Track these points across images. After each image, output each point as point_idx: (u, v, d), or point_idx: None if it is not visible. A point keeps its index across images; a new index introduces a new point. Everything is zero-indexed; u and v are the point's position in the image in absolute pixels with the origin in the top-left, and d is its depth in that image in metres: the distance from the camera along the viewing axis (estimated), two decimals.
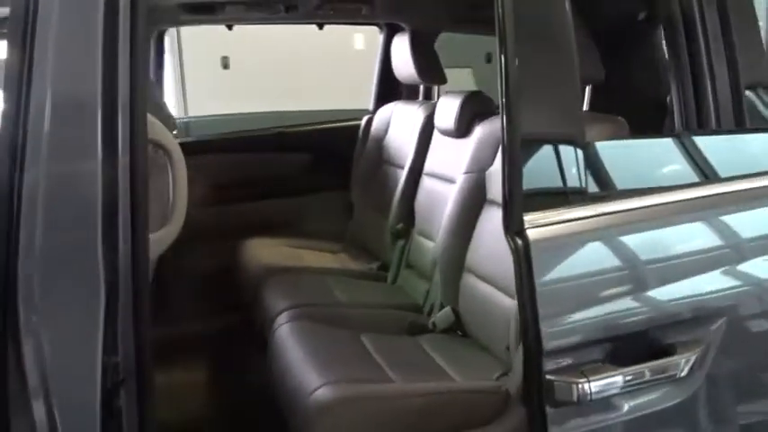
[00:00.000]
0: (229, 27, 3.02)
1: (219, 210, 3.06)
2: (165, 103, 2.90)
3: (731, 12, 1.47)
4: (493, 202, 1.99)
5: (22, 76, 1.03)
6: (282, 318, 2.00)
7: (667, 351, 1.23)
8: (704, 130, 1.48)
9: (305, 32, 3.74)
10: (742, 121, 1.48)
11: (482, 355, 1.88)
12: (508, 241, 1.17)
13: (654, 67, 1.99)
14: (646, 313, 1.26)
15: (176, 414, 2.36)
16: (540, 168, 1.26)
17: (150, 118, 1.18)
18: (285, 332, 1.90)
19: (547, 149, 1.27)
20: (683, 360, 1.22)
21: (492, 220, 1.97)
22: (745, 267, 1.36)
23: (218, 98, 5.69)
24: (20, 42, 1.04)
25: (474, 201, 2.05)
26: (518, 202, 1.18)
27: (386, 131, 2.97)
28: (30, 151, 1.02)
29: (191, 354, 2.76)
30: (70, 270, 1.03)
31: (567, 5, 1.27)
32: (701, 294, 1.29)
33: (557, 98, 1.30)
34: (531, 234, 1.16)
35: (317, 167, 3.18)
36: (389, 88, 3.16)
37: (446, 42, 3.09)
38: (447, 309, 2.07)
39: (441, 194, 2.29)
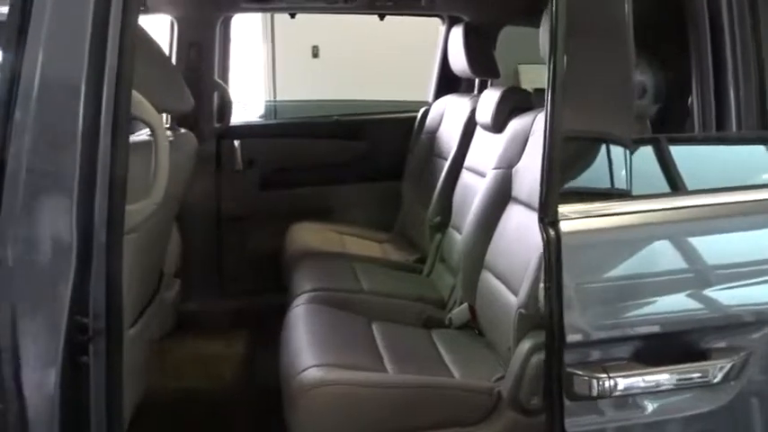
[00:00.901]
0: (292, 15, 3.11)
1: (279, 193, 3.17)
2: (226, 88, 3.03)
3: (761, 10, 1.35)
4: (516, 200, 1.94)
5: (16, 50, 1.13)
6: (301, 299, 2.05)
7: (702, 356, 1.16)
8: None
9: (393, 24, 3.79)
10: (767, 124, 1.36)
11: (489, 355, 1.84)
12: (541, 231, 1.15)
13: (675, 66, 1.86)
14: (680, 315, 1.18)
15: (204, 380, 2.51)
16: (582, 166, 1.23)
17: (137, 96, 1.25)
18: (299, 313, 1.95)
19: (590, 147, 1.23)
20: (717, 366, 1.14)
21: (513, 218, 1.93)
22: None
23: (307, 85, 5.86)
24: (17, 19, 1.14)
25: (499, 197, 2.01)
26: (554, 192, 1.15)
27: (439, 124, 2.96)
28: (17, 121, 1.12)
29: (233, 326, 2.90)
30: (45, 233, 1.12)
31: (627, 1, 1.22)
32: (742, 300, 1.20)
33: (607, 95, 1.25)
34: (565, 226, 1.13)
35: (371, 157, 3.22)
36: (449, 81, 3.13)
37: (526, 37, 3.02)
38: (464, 305, 2.04)
39: (473, 189, 2.25)
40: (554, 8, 1.16)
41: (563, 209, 1.12)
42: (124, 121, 1.17)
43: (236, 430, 2.23)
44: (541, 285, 1.40)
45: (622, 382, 1.08)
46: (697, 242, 1.18)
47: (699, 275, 1.17)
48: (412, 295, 2.22)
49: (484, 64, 2.66)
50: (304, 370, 1.55)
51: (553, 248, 1.09)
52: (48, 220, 1.11)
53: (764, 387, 1.17)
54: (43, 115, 1.12)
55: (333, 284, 2.18)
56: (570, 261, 1.08)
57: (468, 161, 2.46)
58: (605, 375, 1.06)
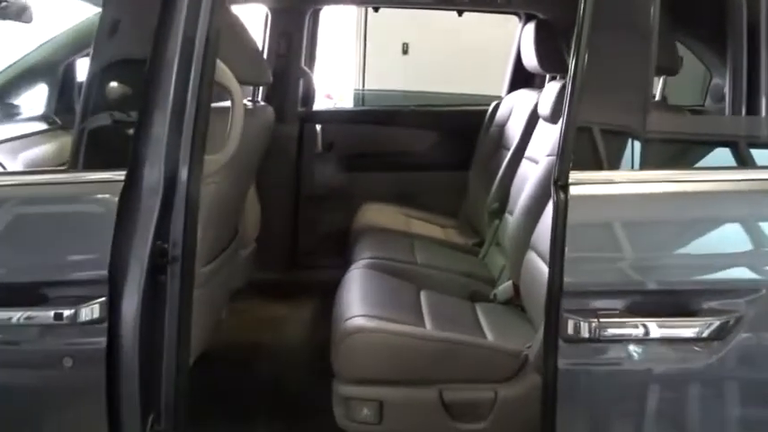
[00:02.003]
0: (375, 9, 3.31)
1: (354, 176, 3.39)
2: (311, 76, 3.27)
3: None
4: None
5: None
6: (358, 264, 2.25)
7: (692, 315, 1.23)
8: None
9: (481, 23, 3.94)
10: None
11: (525, 327, 1.97)
12: (553, 193, 1.29)
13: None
14: (674, 274, 1.26)
15: (267, 336, 2.77)
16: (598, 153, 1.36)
17: (220, 65, 1.49)
18: (354, 275, 2.15)
19: (603, 138, 1.36)
20: (706, 323, 1.21)
21: None
22: None
23: (396, 81, 6.07)
24: None
25: (549, 182, 2.11)
26: (567, 158, 1.29)
27: (508, 117, 3.08)
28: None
29: (301, 295, 3.15)
30: (141, 173, 1.36)
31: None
32: (737, 264, 1.27)
33: (623, 88, 1.38)
34: (574, 189, 1.26)
35: (442, 147, 3.37)
36: (523, 77, 3.24)
37: None
38: (509, 282, 2.17)
39: (528, 175, 2.37)
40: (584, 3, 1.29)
41: (575, 175, 1.25)
42: (208, 85, 1.40)
43: (290, 381, 2.47)
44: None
45: (612, 329, 1.19)
46: (700, 209, 1.28)
47: (699, 239, 1.27)
48: (463, 271, 2.37)
49: (552, 60, 2.75)
50: (349, 318, 1.74)
51: (561, 208, 1.23)
52: (142, 163, 1.36)
53: (750, 351, 1.24)
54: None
55: (389, 255, 2.37)
56: (575, 219, 1.20)
57: (528, 151, 2.58)
58: (596, 320, 1.19)
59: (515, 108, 3.01)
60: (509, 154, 2.75)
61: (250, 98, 2.15)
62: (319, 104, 3.46)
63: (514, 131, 2.86)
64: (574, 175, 1.25)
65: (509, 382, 1.69)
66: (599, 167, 1.31)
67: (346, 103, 6.10)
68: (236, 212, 2.14)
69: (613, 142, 1.34)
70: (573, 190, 1.24)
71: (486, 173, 3.08)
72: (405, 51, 6.39)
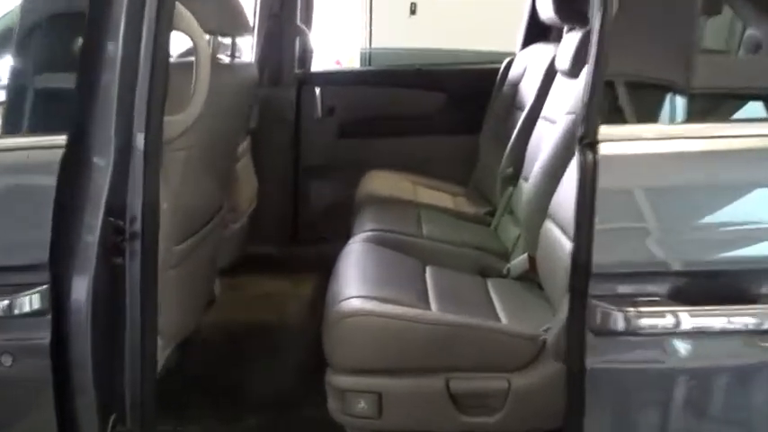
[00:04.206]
0: None
1: (357, 143, 3.18)
2: (308, 34, 3.04)
3: None
4: None
5: None
6: (358, 237, 2.04)
7: (751, 301, 1.03)
8: None
9: None
10: None
11: (543, 306, 1.76)
12: (578, 152, 1.08)
13: None
14: (727, 252, 1.06)
15: (267, 314, 2.59)
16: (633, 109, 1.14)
17: (180, 9, 1.27)
18: (353, 249, 1.95)
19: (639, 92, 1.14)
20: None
21: None
22: None
23: (403, 41, 5.80)
24: None
25: (569, 143, 1.89)
26: (594, 110, 1.07)
27: (522, 75, 2.83)
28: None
29: (303, 270, 2.96)
30: (86, 141, 1.16)
31: None
32: None
33: (663, 30, 1.15)
34: (604, 148, 1.04)
35: (451, 109, 3.15)
36: (538, 30, 2.98)
37: None
38: (524, 255, 1.96)
39: (546, 138, 2.14)
40: None
41: (605, 130, 1.03)
42: (165, 33, 1.19)
43: (286, 367, 2.29)
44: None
45: (652, 320, 0.98)
46: (754, 172, 1.05)
47: (753, 210, 1.04)
48: (473, 244, 2.16)
49: (571, 9, 2.49)
50: (344, 299, 1.54)
51: (588, 170, 1.01)
52: (87, 124, 1.15)
53: None
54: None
55: (393, 226, 2.16)
56: (606, 185, 0.99)
57: (544, 110, 2.34)
58: (633, 310, 0.97)
59: (530, 64, 2.76)
60: (523, 115, 2.51)
61: (229, 53, 1.92)
62: (319, 65, 3.22)
63: (529, 90, 2.61)
64: (605, 131, 1.02)
65: (524, 371, 1.49)
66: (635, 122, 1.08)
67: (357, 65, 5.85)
68: (219, 183, 1.93)
69: (651, 95, 1.11)
70: (603, 148, 1.01)
71: (499, 136, 2.85)
72: (413, 12, 6.12)
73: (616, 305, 0.98)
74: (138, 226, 1.18)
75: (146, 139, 1.16)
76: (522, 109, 2.68)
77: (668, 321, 0.98)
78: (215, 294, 2.60)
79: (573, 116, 1.91)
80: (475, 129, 3.08)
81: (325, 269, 2.91)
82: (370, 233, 2.06)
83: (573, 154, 1.87)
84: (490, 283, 1.91)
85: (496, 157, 2.73)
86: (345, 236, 2.66)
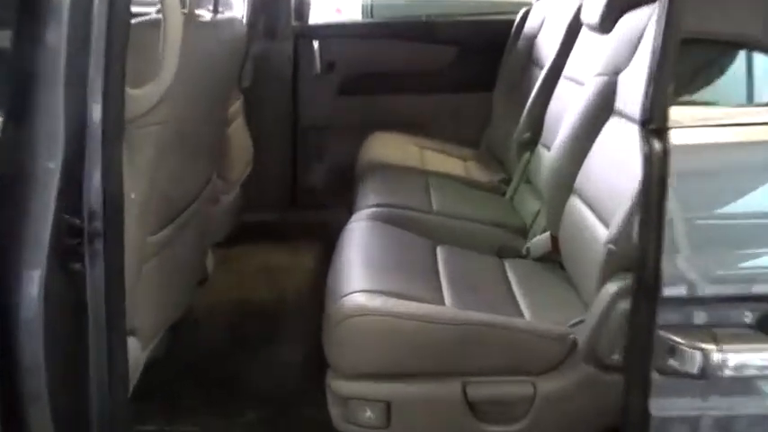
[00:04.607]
0: None
1: (359, 101, 2.96)
2: None
3: None
4: (620, 114, 1.60)
5: None
6: (361, 214, 1.85)
7: None
8: None
9: None
10: None
11: (568, 294, 1.58)
12: (641, 141, 0.87)
13: None
14: None
15: (265, 291, 2.41)
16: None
17: None
18: (355, 229, 1.76)
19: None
20: None
21: (614, 135, 1.60)
22: None
23: None
24: None
25: (599, 109, 1.67)
26: (664, 88, 0.86)
27: (540, 27, 2.58)
28: None
29: (303, 238, 2.78)
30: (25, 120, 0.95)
31: None
32: None
33: None
34: (676, 136, 0.84)
35: (461, 64, 2.91)
36: None
37: None
38: (546, 234, 1.77)
39: (570, 101, 1.92)
40: None
41: (676, 113, 0.81)
42: None
43: (293, 343, 2.13)
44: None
45: (738, 358, 0.78)
46: None
47: None
48: (488, 219, 1.96)
49: None
50: (347, 295, 1.36)
51: (657, 164, 0.80)
52: (25, 98, 0.94)
53: None
54: None
55: (399, 200, 1.96)
56: (679, 183, 0.79)
57: (567, 69, 2.10)
58: (714, 346, 0.78)
59: (549, 16, 2.50)
60: (543, 72, 2.28)
61: (211, 7, 1.68)
62: (318, 17, 2.97)
63: (549, 45, 2.37)
64: (678, 113, 0.81)
65: (551, 374, 1.32)
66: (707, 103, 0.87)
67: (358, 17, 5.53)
68: (205, 155, 1.72)
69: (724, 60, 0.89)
70: (676, 136, 0.80)
71: (514, 95, 2.62)
72: None
73: (691, 339, 0.79)
74: (98, 223, 0.98)
75: (104, 111, 0.95)
76: (540, 66, 2.44)
77: (760, 359, 0.79)
78: (207, 271, 2.42)
79: (603, 78, 1.69)
80: (487, 86, 2.85)
81: (326, 238, 2.73)
82: (374, 209, 1.87)
83: (603, 122, 1.69)
84: (508, 266, 1.72)
85: (511, 119, 2.51)
86: (347, 202, 2.48)
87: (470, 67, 2.88)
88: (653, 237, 0.81)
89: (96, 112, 0.96)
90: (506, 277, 1.66)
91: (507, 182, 2.38)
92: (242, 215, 2.43)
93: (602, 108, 1.67)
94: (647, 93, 0.84)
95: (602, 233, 1.42)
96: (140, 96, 1.08)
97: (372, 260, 1.54)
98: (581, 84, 1.89)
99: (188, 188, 1.52)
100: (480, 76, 2.87)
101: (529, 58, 2.59)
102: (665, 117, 0.81)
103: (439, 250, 1.72)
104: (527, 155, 2.24)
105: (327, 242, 2.60)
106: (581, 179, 1.66)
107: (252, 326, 2.22)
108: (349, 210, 2.29)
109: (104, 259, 1.00)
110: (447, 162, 2.65)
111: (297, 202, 3.03)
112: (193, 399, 1.85)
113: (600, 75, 1.70)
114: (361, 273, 1.46)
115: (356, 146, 2.72)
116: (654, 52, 0.84)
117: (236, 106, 2.62)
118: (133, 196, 1.10)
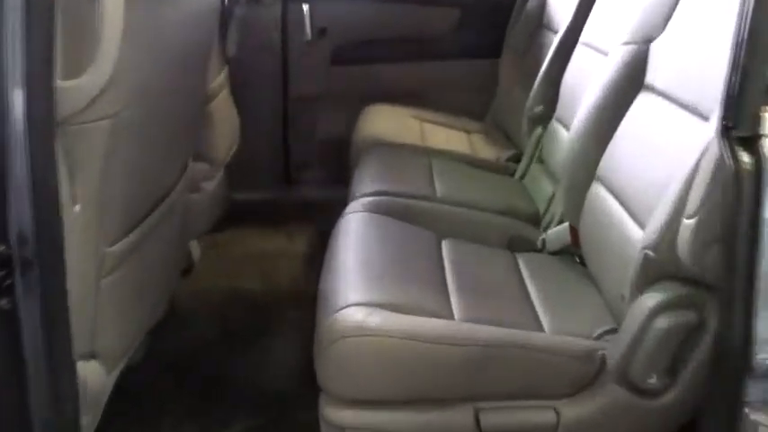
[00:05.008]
0: None
1: (354, 69, 2.73)
2: None
3: None
4: (651, 89, 1.40)
5: None
6: (357, 204, 1.65)
7: None
8: None
9: None
10: None
11: (591, 297, 1.40)
12: (721, 148, 0.68)
13: None
14: None
15: (257, 281, 2.23)
16: None
17: None
18: (351, 222, 1.56)
19: None
20: None
21: (644, 115, 1.40)
22: None
23: None
24: None
25: (627, 83, 1.46)
26: (756, 83, 0.66)
27: None
28: None
29: (297, 219, 2.60)
30: None
31: None
32: None
33: None
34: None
35: (465, 27, 2.67)
36: None
37: None
38: (564, 225, 1.58)
39: (590, 71, 1.71)
40: None
41: None
42: None
43: (285, 338, 1.96)
44: (687, 222, 0.94)
45: None
46: None
47: None
48: (497, 206, 1.76)
49: None
50: (341, 309, 1.17)
51: (747, 183, 0.61)
52: None
53: None
54: None
55: (399, 187, 1.76)
56: None
57: (586, 34, 1.88)
58: None
59: None
60: (557, 38, 2.05)
61: None
62: None
63: (564, 5, 2.14)
64: None
65: (577, 398, 1.15)
66: None
67: None
68: (178, 142, 1.51)
69: None
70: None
71: (524, 63, 2.40)
72: None
73: None
74: (31, 249, 0.79)
75: (28, 107, 0.76)
76: (553, 30, 2.22)
77: None
78: (192, 259, 2.25)
79: (632, 47, 1.47)
80: (493, 52, 2.63)
81: (321, 219, 2.56)
82: (372, 198, 1.67)
83: (632, 98, 1.49)
84: (522, 262, 1.54)
85: (520, 90, 2.30)
86: (343, 179, 2.28)
87: (474, 32, 2.66)
88: (742, 277, 0.62)
89: (18, 107, 0.76)
90: (520, 276, 1.48)
91: (516, 158, 2.18)
92: (229, 199, 2.24)
93: (631, 82, 1.46)
94: (730, 87, 0.65)
95: (635, 233, 1.23)
96: (74, 88, 0.88)
97: (370, 263, 1.35)
98: (603, 53, 1.68)
99: (156, 183, 1.31)
100: (485, 42, 2.65)
101: (540, 21, 2.36)
102: (756, 121, 0.62)
103: (444, 245, 1.53)
104: (539, 130, 2.04)
105: (323, 223, 2.43)
106: (606, 164, 1.46)
107: (241, 320, 2.05)
108: (345, 185, 2.11)
109: (41, 293, 0.81)
110: (450, 137, 2.44)
111: (290, 180, 2.84)
112: (175, 405, 1.68)
113: (627, 43, 1.48)
114: (357, 281, 1.27)
115: (351, 118, 2.52)
116: (740, 33, 0.64)
117: (221, 78, 2.40)
118: (77, 209, 0.91)
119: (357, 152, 2.18)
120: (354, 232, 1.51)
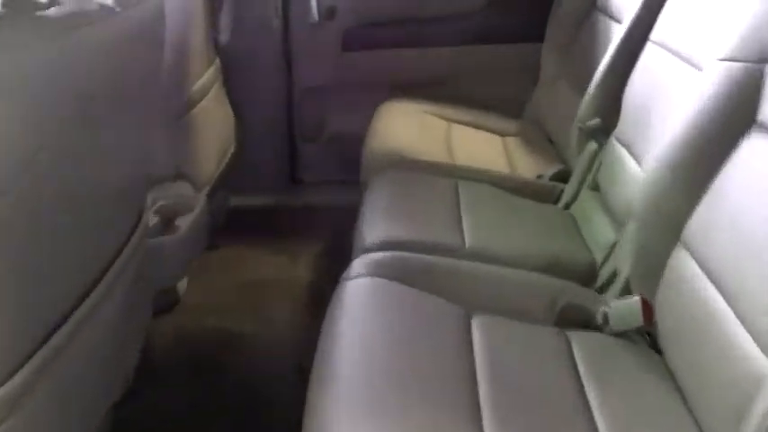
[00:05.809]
0: None
1: (367, 56, 2.38)
2: None
3: None
4: (767, 128, 0.99)
5: None
6: (360, 265, 1.27)
7: None
8: None
9: None
10: None
11: (677, 407, 1.02)
12: None
13: None
14: None
15: (248, 320, 1.88)
16: None
17: None
18: (352, 297, 1.19)
19: None
20: None
21: (757, 162, 1.00)
22: None
23: None
24: None
25: (731, 117, 1.06)
26: None
27: None
28: None
29: (305, 229, 2.29)
30: None
31: None
32: None
33: None
34: None
35: (498, 8, 2.27)
36: None
37: None
38: (635, 299, 1.19)
39: (673, 85, 1.30)
40: None
41: None
42: None
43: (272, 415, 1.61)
44: None
45: None
46: None
47: None
48: (543, 258, 1.37)
49: None
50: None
51: None
52: None
53: None
54: None
55: (417, 233, 1.38)
56: None
57: (659, 31, 1.46)
58: None
59: None
60: (620, 30, 1.63)
61: None
62: None
63: None
64: None
65: None
66: None
67: None
68: (115, 201, 1.10)
69: None
70: None
71: (572, 51, 1.99)
72: None
73: None
74: None
75: None
76: (611, 16, 1.79)
77: None
78: (177, 293, 1.92)
79: (740, 67, 1.06)
80: (532, 35, 2.22)
81: (331, 230, 2.23)
82: (381, 255, 1.28)
83: (737, 138, 1.08)
84: (576, 348, 1.16)
85: (568, 83, 1.91)
86: (354, 181, 1.92)
87: (510, 12, 2.25)
88: None
89: None
90: (576, 372, 1.10)
91: (563, 176, 1.78)
92: (215, 235, 1.88)
93: (737, 114, 1.05)
94: None
95: (742, 336, 0.86)
96: None
97: (374, 362, 1.00)
98: (693, 64, 1.26)
99: (79, 269, 0.95)
100: (523, 23, 2.25)
101: (594, 2, 1.93)
102: None
103: (475, 324, 1.16)
104: (593, 146, 1.64)
105: (334, 232, 2.10)
106: (697, 228, 1.07)
107: (233, 373, 1.71)
108: (358, 188, 1.75)
109: None
110: (481, 143, 2.05)
111: (295, 180, 2.52)
112: None
113: (732, 60, 1.07)
114: (352, 400, 0.92)
115: (365, 110, 2.16)
116: None
117: (209, 73, 2.06)
118: None
119: (368, 168, 1.82)
120: (355, 314, 1.14)
